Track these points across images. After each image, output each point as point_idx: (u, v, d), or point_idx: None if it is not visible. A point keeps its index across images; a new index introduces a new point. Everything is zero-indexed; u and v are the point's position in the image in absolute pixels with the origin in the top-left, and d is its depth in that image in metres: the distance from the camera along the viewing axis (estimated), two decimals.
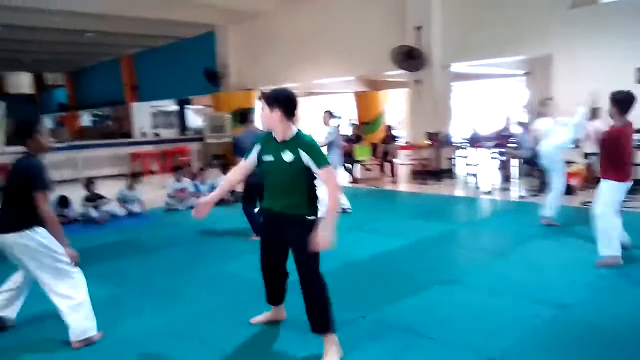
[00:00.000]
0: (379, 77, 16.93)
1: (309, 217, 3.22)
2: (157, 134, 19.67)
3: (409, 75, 11.95)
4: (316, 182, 3.25)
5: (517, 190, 9.44)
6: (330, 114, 7.97)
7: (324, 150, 7.98)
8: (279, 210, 3.26)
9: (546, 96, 5.94)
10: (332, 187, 3.15)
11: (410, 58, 11.52)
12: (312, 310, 3.29)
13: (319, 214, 3.27)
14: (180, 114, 22.48)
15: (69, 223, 8.03)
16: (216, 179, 9.48)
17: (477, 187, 10.00)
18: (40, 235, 3.50)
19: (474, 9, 11.08)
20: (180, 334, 3.75)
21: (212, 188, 9.28)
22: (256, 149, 3.38)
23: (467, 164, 11.32)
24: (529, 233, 6.21)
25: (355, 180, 11.48)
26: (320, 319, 3.27)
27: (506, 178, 10.26)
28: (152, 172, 14.89)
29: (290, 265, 3.42)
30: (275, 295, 3.71)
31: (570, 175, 8.83)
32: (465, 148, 11.49)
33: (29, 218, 3.47)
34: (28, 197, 3.44)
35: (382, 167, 11.59)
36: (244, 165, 3.47)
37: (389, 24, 12.42)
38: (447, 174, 11.46)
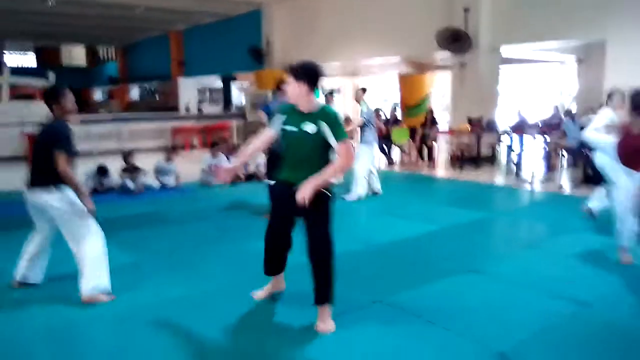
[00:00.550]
0: (425, 59, 16.54)
1: (324, 190, 3.23)
2: (199, 110, 19.93)
3: (454, 58, 11.61)
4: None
5: (559, 181, 9.07)
6: (363, 91, 7.81)
7: (358, 129, 7.91)
8: (295, 182, 3.24)
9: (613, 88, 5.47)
10: (344, 159, 3.19)
11: (456, 40, 11.17)
12: (319, 280, 3.32)
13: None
14: (225, 91, 22.69)
15: (106, 192, 8.26)
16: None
17: (518, 176, 9.66)
18: (65, 194, 3.68)
19: None
20: (192, 305, 3.78)
21: (245, 165, 9.35)
22: (280, 118, 3.40)
23: (509, 152, 10.94)
24: (563, 226, 5.96)
25: (391, 164, 11.30)
26: (324, 290, 3.32)
27: (550, 168, 9.87)
28: (192, 147, 15.12)
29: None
30: (277, 265, 3.73)
31: None
32: (509, 135, 11.10)
33: (54, 177, 3.62)
34: (52, 156, 3.60)
35: (420, 151, 11.35)
36: (269, 134, 3.49)
37: (436, 4, 12.07)
38: (487, 161, 11.12)
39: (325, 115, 3.22)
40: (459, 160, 10.75)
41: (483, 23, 11.15)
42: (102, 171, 8.42)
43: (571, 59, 13.74)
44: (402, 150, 11.55)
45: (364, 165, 7.51)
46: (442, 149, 12.06)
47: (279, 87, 6.25)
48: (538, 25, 10.39)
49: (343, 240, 5.31)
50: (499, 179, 9.82)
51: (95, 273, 3.74)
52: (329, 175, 3.18)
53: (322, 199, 3.24)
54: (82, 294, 3.72)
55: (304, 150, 3.27)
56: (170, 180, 8.79)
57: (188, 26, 21.99)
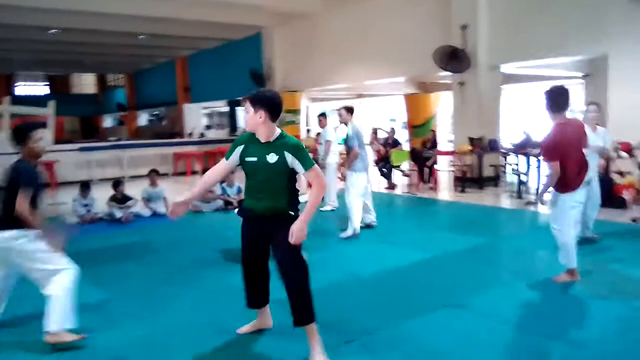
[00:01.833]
0: (429, 79, 16.34)
1: (291, 212, 3.23)
2: (202, 135, 19.87)
3: (453, 77, 11.37)
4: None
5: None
6: (349, 111, 7.32)
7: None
8: (261, 212, 3.25)
9: (591, 101, 5.42)
10: (318, 186, 3.17)
11: (454, 59, 10.94)
12: (295, 299, 3.24)
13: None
14: (231, 115, 22.67)
15: (94, 222, 8.10)
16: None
17: (520, 197, 9.30)
18: (31, 236, 3.54)
19: (523, 6, 10.38)
20: (158, 347, 3.54)
21: (240, 191, 9.14)
22: (238, 149, 3.30)
23: (512, 172, 10.60)
24: None
25: (392, 187, 11.00)
26: (303, 307, 3.24)
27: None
28: (194, 173, 14.99)
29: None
30: (257, 297, 3.61)
31: (622, 187, 8.07)
32: (510, 154, 10.76)
33: (16, 219, 3.49)
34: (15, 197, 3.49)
35: (421, 173, 11.04)
36: (224, 166, 3.41)
37: (435, 24, 11.87)
38: (491, 181, 10.78)
39: (288, 144, 3.16)
40: (461, 181, 10.42)
41: (481, 41, 10.92)
42: (84, 187, 8.32)
43: (576, 75, 13.41)
44: (403, 173, 11.25)
45: (356, 197, 6.71)
46: (444, 170, 11.75)
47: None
48: (537, 42, 10.12)
49: (327, 271, 5.10)
50: (503, 201, 9.48)
51: (60, 312, 3.52)
52: (313, 206, 3.15)
53: (287, 220, 3.18)
54: (47, 332, 3.51)
55: (267, 179, 3.21)
56: (160, 207, 8.60)
57: (193, 52, 22.11)
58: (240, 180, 9.48)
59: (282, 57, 17.08)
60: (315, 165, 3.18)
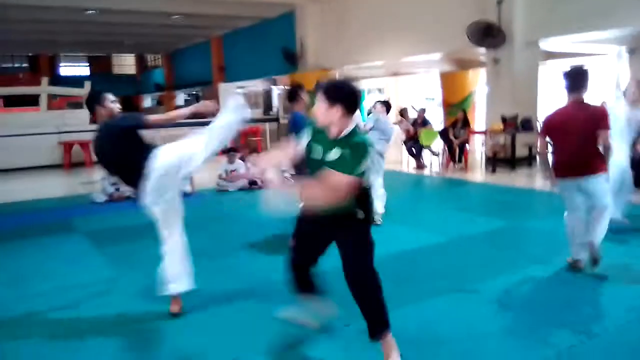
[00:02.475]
0: (466, 56, 15.85)
1: (358, 217, 2.91)
2: None
3: (488, 54, 10.97)
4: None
5: None
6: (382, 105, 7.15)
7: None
8: (323, 213, 2.90)
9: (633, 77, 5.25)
10: (329, 187, 2.72)
11: (488, 35, 10.53)
12: (366, 311, 3.02)
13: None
14: (266, 95, 22.64)
15: (120, 200, 8.25)
16: None
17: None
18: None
19: None
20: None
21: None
22: (307, 137, 2.99)
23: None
24: None
25: (421, 167, 10.78)
26: (374, 322, 3.01)
27: None
28: (223, 152, 15.04)
29: None
30: (305, 285, 3.31)
31: None
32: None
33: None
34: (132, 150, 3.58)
35: (451, 153, 10.77)
36: (291, 152, 3.10)
37: None
38: (524, 162, 10.42)
39: (351, 142, 2.76)
40: (492, 162, 10.10)
41: (517, 15, 10.45)
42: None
43: (622, 50, 12.76)
44: (433, 153, 10.99)
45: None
46: (477, 150, 11.42)
47: (293, 96, 5.52)
48: (577, 16, 9.59)
49: (336, 254, 5.01)
50: (535, 182, 9.14)
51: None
52: (305, 190, 2.81)
53: (352, 221, 2.91)
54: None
55: None
56: (186, 187, 8.66)
57: (227, 31, 22.14)
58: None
59: (314, 35, 16.88)
60: (357, 179, 2.74)
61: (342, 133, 2.80)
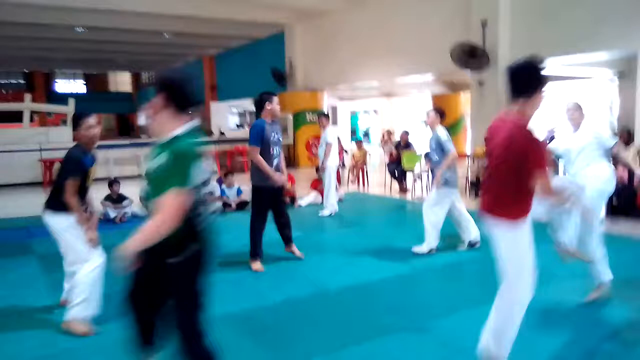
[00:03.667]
0: (456, 78, 15.73)
1: (175, 256, 2.34)
2: (222, 133, 19.76)
3: (472, 76, 10.80)
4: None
5: None
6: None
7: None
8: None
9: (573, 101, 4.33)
10: (163, 215, 2.23)
11: (472, 56, 10.37)
12: None
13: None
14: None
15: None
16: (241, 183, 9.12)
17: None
18: (70, 220, 3.68)
19: (546, 1, 9.71)
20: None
21: (239, 192, 8.89)
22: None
23: None
24: (559, 270, 5.03)
25: (404, 191, 10.53)
26: None
27: None
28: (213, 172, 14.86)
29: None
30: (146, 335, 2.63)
31: None
32: None
33: (60, 201, 3.66)
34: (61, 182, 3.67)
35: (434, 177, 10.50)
36: None
37: (456, 19, 11.30)
38: None
39: (173, 148, 2.28)
40: (475, 186, 9.85)
41: (502, 37, 10.30)
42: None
43: (611, 73, 12.58)
44: (415, 177, 10.74)
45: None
46: (463, 175, 11.15)
47: (259, 106, 5.44)
48: (562, 39, 9.43)
49: (294, 284, 4.77)
50: None
51: (78, 301, 3.71)
52: (144, 236, 2.26)
53: (175, 269, 2.34)
54: (65, 319, 3.76)
55: (152, 194, 2.35)
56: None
57: (219, 51, 22.13)
58: (240, 182, 9.27)
59: (303, 55, 16.79)
60: (175, 192, 2.22)
61: (169, 135, 2.33)
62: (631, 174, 7.81)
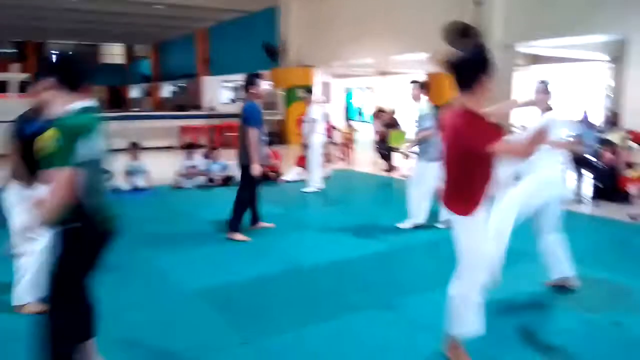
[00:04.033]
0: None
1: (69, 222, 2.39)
2: (212, 108, 19.59)
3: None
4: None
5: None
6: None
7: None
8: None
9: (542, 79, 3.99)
10: (51, 191, 2.32)
11: (465, 36, 10.23)
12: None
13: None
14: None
15: None
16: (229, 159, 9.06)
17: None
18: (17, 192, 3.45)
19: None
20: None
21: (224, 168, 8.84)
22: None
23: None
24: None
25: (390, 169, 10.50)
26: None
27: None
28: (200, 146, 14.76)
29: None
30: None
31: (629, 180, 7.38)
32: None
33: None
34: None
35: None
36: None
37: None
38: None
39: (58, 126, 2.33)
40: None
41: (496, 18, 10.19)
42: None
43: (605, 57, 12.49)
44: (403, 155, 10.70)
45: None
46: None
47: (247, 88, 5.59)
48: (555, 21, 9.34)
49: (266, 259, 4.77)
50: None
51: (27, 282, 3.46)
52: (44, 208, 2.36)
53: (62, 236, 2.42)
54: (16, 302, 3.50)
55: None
56: (140, 181, 8.37)
57: (212, 24, 21.83)
58: (226, 156, 9.21)
59: (297, 31, 16.57)
60: (61, 169, 2.28)
61: (57, 113, 2.39)
62: (617, 157, 7.81)
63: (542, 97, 3.91)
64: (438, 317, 3.45)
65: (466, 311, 2.84)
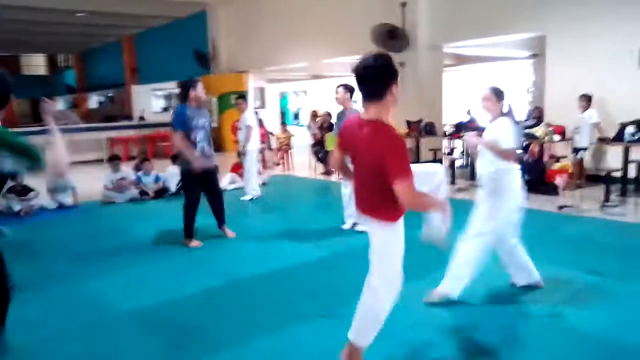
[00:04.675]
0: None
1: None
2: (141, 118, 18.99)
3: (394, 57, 10.83)
4: None
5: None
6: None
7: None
8: None
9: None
10: None
11: (392, 38, 10.42)
12: None
13: None
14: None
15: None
16: (162, 170, 8.78)
17: (454, 183, 8.86)
18: None
19: None
20: None
21: (157, 179, 8.55)
22: None
23: (447, 155, 10.18)
24: None
25: (328, 173, 10.50)
26: None
27: None
28: (132, 158, 14.26)
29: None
30: None
31: (555, 172, 7.70)
32: (450, 138, 10.36)
33: None
34: None
35: None
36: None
37: (376, 1, 11.30)
38: None
39: None
40: None
41: (421, 19, 10.42)
42: None
43: (525, 54, 13.07)
44: None
45: None
46: None
47: (186, 90, 5.51)
48: (478, 22, 9.68)
49: (205, 275, 4.60)
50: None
51: None
52: None
53: None
54: None
55: None
56: (67, 199, 7.94)
57: (139, 31, 21.18)
58: (159, 169, 8.91)
59: (227, 36, 16.35)
60: None
61: None
62: (542, 150, 8.15)
63: (490, 105, 3.75)
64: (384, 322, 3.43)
65: (374, 323, 2.78)
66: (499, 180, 3.70)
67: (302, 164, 11.77)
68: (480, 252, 3.74)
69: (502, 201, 3.72)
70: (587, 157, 8.30)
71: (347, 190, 5.88)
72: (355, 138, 2.57)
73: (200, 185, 5.53)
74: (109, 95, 26.87)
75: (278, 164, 11.75)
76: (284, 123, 12.56)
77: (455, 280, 3.77)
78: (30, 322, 3.68)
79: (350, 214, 5.95)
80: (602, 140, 8.01)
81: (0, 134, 2.29)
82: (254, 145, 8.10)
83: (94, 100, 27.70)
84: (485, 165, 3.78)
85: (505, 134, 3.63)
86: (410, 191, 2.37)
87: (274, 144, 12.25)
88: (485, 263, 3.82)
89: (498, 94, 3.77)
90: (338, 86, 5.78)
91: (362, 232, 5.77)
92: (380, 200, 2.56)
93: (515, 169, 3.77)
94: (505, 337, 3.32)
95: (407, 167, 2.38)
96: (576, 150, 8.14)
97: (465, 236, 3.81)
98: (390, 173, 2.36)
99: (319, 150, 10.47)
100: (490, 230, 3.73)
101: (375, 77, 2.49)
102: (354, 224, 5.96)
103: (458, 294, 3.75)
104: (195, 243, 5.55)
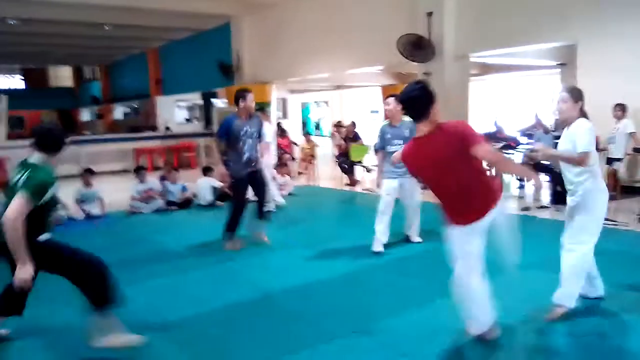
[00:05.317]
0: (404, 70, 15.70)
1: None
2: (167, 128, 19.12)
3: (419, 67, 10.74)
4: None
5: (530, 200, 8.15)
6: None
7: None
8: None
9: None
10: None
11: (418, 48, 10.30)
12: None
13: None
14: (205, 108, 21.94)
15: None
16: (186, 181, 8.79)
17: None
18: None
19: None
20: None
21: (184, 189, 8.54)
22: None
23: None
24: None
25: (353, 183, 10.39)
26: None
27: (520, 185, 8.92)
28: (157, 169, 14.35)
29: None
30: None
31: None
32: None
33: None
34: None
35: None
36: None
37: (401, 11, 11.21)
38: None
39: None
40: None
41: (448, 29, 10.27)
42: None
43: (552, 63, 12.84)
44: (365, 169, 10.64)
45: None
46: None
47: (236, 101, 5.68)
48: (504, 31, 9.50)
49: (234, 288, 4.52)
50: None
51: None
52: None
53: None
54: None
55: None
56: (94, 209, 7.97)
57: (163, 43, 21.43)
58: (185, 179, 8.91)
59: (251, 47, 16.39)
60: (24, 194, 3.04)
61: None
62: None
63: (569, 107, 3.52)
64: (418, 340, 3.32)
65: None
66: (589, 187, 3.50)
67: (326, 174, 11.69)
68: (585, 260, 3.60)
69: (595, 206, 3.53)
70: (621, 168, 8.05)
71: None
72: (427, 158, 3.03)
73: (245, 191, 5.81)
74: (134, 106, 27.19)
75: (301, 173, 11.68)
76: (307, 133, 12.49)
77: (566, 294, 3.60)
78: (58, 334, 3.65)
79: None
80: (638, 151, 7.77)
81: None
82: (268, 161, 7.89)
83: (119, 111, 28.00)
84: (572, 175, 3.56)
85: (584, 137, 3.40)
86: (490, 149, 2.94)
87: (298, 154, 12.20)
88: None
89: (575, 95, 3.54)
90: (388, 96, 5.69)
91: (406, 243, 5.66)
92: (480, 188, 3.02)
93: (598, 172, 3.56)
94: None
95: (481, 136, 2.91)
96: (610, 161, 7.90)
97: (565, 246, 3.65)
98: (470, 144, 2.82)
99: (344, 161, 10.38)
100: (589, 237, 3.56)
101: (420, 103, 3.05)
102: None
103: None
104: (236, 244, 5.74)
